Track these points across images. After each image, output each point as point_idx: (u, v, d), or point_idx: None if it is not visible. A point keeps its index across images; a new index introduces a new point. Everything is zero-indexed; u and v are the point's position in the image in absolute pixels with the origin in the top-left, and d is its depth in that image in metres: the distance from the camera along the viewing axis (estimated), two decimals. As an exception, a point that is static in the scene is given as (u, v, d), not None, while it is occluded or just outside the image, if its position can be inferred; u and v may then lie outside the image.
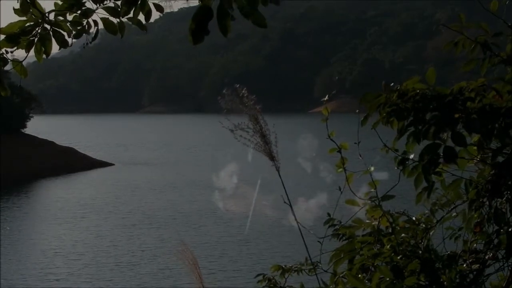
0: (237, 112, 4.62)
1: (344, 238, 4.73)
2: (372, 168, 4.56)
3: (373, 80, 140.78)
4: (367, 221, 4.66)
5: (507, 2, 4.81)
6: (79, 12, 3.76)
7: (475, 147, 4.27)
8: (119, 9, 3.72)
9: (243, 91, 4.61)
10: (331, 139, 4.64)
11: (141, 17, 3.79)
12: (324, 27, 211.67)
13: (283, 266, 5.15)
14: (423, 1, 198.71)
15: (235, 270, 31.29)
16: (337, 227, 4.83)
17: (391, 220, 4.57)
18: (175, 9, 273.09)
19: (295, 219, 4.71)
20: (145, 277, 30.88)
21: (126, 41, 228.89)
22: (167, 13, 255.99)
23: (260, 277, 5.18)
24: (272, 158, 4.71)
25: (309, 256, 4.93)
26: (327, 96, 4.76)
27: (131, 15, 3.74)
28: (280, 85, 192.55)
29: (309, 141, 5.01)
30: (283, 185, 4.75)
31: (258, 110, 4.63)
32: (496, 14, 4.51)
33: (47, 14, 3.76)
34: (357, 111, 4.28)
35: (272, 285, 5.11)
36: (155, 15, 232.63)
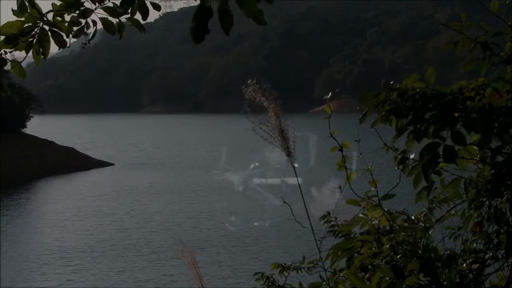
0: (256, 106, 4.62)
1: (340, 235, 4.73)
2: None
3: (373, 80, 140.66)
4: (363, 217, 4.66)
5: (507, 2, 4.81)
6: (77, 12, 3.75)
7: (475, 147, 4.26)
8: (117, 9, 3.70)
9: (267, 85, 4.63)
10: (333, 137, 4.64)
11: (138, 16, 3.78)
12: (324, 27, 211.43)
13: (283, 264, 5.14)
14: (423, 1, 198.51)
15: (234, 276, 31.20)
16: (332, 223, 4.83)
17: (389, 219, 4.57)
18: (175, 9, 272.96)
19: (308, 218, 4.71)
20: (143, 280, 30.78)
21: (126, 41, 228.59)
22: (167, 13, 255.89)
23: (258, 276, 5.17)
24: (288, 153, 4.72)
25: (320, 256, 4.93)
26: (330, 94, 4.74)
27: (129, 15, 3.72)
28: (280, 85, 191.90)
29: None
30: (298, 183, 4.75)
31: (278, 104, 4.65)
32: (496, 13, 4.51)
33: (45, 15, 3.74)
34: (357, 108, 4.28)
35: (269, 284, 5.10)
36: (155, 15, 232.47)
